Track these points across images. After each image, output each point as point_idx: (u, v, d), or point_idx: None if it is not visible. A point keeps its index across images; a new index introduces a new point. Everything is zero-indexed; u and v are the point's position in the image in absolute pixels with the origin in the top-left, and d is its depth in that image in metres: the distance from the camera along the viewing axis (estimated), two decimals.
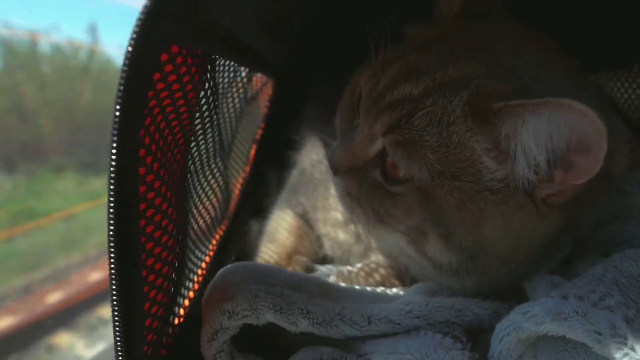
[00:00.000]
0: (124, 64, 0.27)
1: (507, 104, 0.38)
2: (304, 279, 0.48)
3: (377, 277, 0.57)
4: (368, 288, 0.53)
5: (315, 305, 0.43)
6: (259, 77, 0.67)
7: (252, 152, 0.73)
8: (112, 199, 0.29)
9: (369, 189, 0.46)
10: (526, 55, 0.46)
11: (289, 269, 0.62)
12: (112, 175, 0.29)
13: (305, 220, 0.68)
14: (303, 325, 0.43)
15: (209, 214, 0.51)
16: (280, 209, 0.70)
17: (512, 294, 0.47)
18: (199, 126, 0.42)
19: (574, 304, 0.36)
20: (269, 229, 0.69)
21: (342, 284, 0.54)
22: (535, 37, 0.48)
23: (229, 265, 0.47)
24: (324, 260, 0.67)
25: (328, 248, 0.65)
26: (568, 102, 0.35)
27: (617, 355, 0.33)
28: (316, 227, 0.66)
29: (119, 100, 0.27)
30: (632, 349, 0.33)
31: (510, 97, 0.38)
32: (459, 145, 0.41)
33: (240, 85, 0.56)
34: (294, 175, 0.71)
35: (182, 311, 0.45)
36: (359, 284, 0.55)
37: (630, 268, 0.39)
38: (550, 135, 0.38)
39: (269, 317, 0.43)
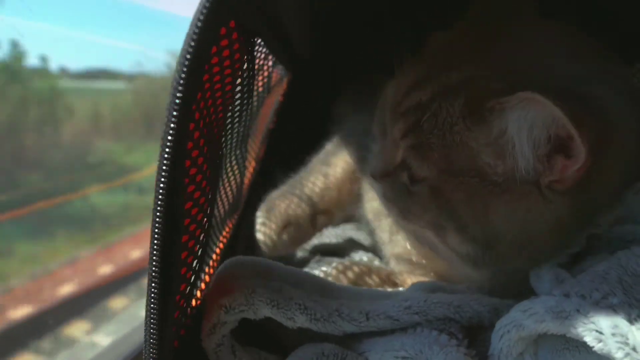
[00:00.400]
0: (193, 34, 0.27)
1: (498, 101, 0.41)
2: (304, 276, 0.48)
3: (350, 274, 0.58)
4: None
5: (314, 301, 0.44)
6: (280, 70, 0.68)
7: (263, 148, 0.73)
8: (164, 168, 0.29)
9: (398, 190, 0.49)
10: (536, 48, 0.47)
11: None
12: (167, 144, 0.28)
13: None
14: (301, 321, 0.43)
15: (228, 200, 0.51)
16: (339, 147, 0.71)
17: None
18: (237, 109, 0.43)
19: (575, 303, 0.37)
20: (330, 151, 0.70)
21: (343, 284, 0.55)
22: (550, 27, 0.50)
23: (230, 259, 0.47)
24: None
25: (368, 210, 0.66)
26: (529, 96, 0.37)
27: (618, 355, 0.33)
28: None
29: (183, 70, 0.27)
30: (634, 349, 0.33)
31: (505, 94, 0.40)
32: (460, 144, 0.44)
33: (265, 75, 0.57)
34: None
35: (199, 294, 0.45)
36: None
37: (635, 266, 0.38)
38: (530, 128, 0.40)
39: (266, 312, 0.43)
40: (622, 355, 0.33)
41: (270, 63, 0.57)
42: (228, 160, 0.48)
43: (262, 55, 0.52)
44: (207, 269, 0.49)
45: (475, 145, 0.44)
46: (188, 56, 0.27)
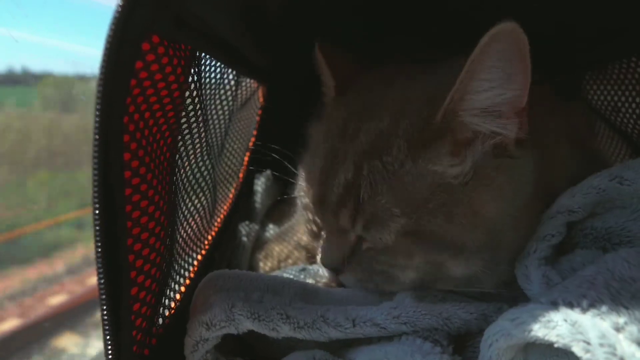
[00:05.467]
0: (105, 49, 0.28)
1: (448, 104, 0.41)
2: (286, 282, 0.48)
3: (333, 285, 0.56)
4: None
5: (296, 309, 0.43)
6: (249, 83, 0.69)
7: (246, 158, 0.74)
8: (96, 181, 0.30)
9: (366, 260, 0.47)
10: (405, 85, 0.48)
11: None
12: (96, 157, 0.29)
13: None
14: (284, 331, 0.42)
15: (198, 213, 0.51)
16: None
17: None
18: (185, 120, 0.43)
19: (563, 312, 0.35)
20: None
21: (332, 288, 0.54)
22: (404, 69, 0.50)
23: (211, 273, 0.47)
24: None
25: None
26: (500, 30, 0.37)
27: None
28: None
29: (100, 84, 0.28)
30: (622, 359, 0.31)
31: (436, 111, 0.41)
32: (415, 179, 0.42)
33: (228, 88, 0.58)
34: None
35: (167, 312, 0.46)
36: None
37: (623, 270, 0.37)
38: (488, 98, 0.41)
39: (247, 325, 0.43)
40: None
41: (231, 76, 0.58)
42: (190, 173, 0.48)
43: (218, 69, 0.53)
44: (179, 288, 0.49)
45: (439, 167, 0.43)
46: (102, 72, 0.28)
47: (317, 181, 0.47)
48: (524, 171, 0.44)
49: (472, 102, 0.41)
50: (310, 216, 0.51)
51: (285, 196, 0.71)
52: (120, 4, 0.28)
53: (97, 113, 0.29)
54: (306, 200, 0.49)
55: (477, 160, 0.43)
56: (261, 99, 0.75)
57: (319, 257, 0.50)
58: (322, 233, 0.50)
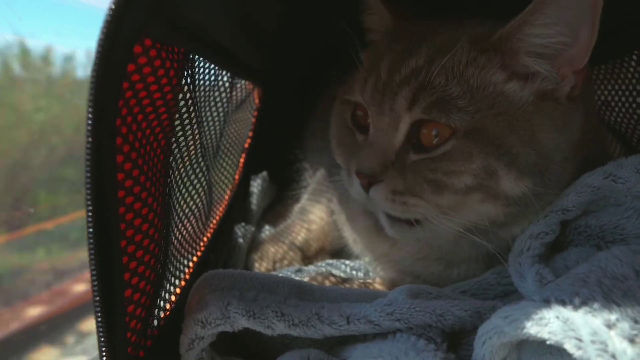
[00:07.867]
0: (97, 52, 0.28)
1: (507, 28, 0.45)
2: (281, 280, 0.48)
3: (327, 284, 0.58)
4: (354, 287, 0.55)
5: (291, 306, 0.44)
6: (244, 85, 0.69)
7: (242, 160, 0.74)
8: (89, 183, 0.30)
9: (414, 171, 0.48)
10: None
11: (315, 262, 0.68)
12: (88, 160, 0.29)
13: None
14: (279, 328, 0.43)
15: (193, 215, 0.51)
16: (315, 195, 0.75)
17: None
18: (178, 123, 0.44)
19: (555, 309, 0.36)
20: (306, 208, 0.74)
21: (327, 285, 0.54)
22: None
23: (207, 273, 0.47)
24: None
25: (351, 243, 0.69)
26: None
27: None
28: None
29: (92, 87, 0.28)
30: (614, 356, 0.31)
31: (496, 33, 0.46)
32: (480, 86, 0.47)
33: (222, 89, 0.58)
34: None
35: (162, 314, 0.46)
36: None
37: (615, 268, 0.37)
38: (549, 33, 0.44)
39: (243, 323, 0.43)
40: None
41: (225, 78, 0.58)
42: (185, 174, 0.49)
43: (212, 72, 0.53)
44: (174, 289, 0.49)
45: (494, 77, 0.47)
46: (94, 76, 0.29)
47: (383, 69, 0.50)
48: (576, 117, 0.49)
49: (529, 34, 0.44)
50: (353, 114, 0.54)
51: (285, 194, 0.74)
52: (112, 6, 0.28)
53: (89, 116, 0.29)
54: (358, 98, 0.52)
55: (538, 91, 0.47)
56: (257, 101, 0.75)
57: (353, 168, 0.50)
58: (364, 139, 0.52)
